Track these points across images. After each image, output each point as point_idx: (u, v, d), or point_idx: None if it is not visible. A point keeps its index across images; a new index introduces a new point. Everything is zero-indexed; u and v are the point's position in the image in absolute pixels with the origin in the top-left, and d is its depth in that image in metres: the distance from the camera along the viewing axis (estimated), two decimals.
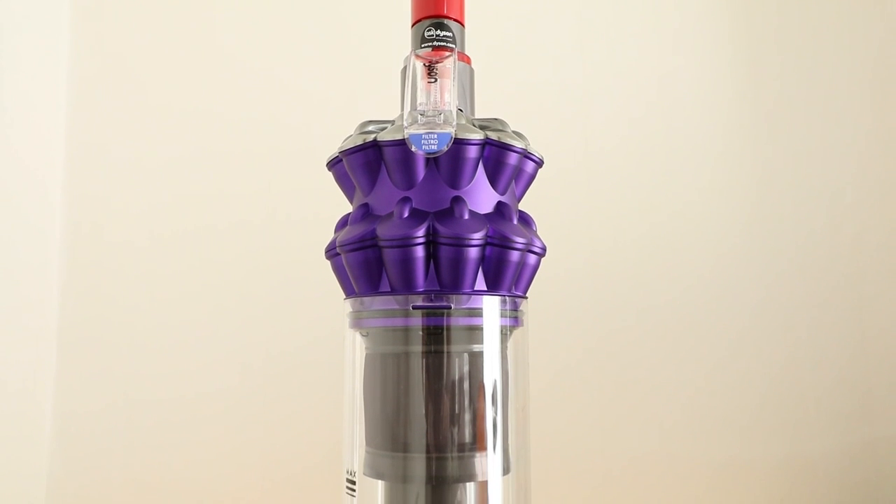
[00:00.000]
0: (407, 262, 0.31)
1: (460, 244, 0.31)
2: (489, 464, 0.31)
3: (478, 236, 0.31)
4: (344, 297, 0.35)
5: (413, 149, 0.32)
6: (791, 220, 0.78)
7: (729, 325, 0.76)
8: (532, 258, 0.33)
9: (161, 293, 0.75)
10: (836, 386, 0.75)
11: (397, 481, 0.31)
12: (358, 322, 0.33)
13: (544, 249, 0.34)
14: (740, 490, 0.73)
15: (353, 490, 0.33)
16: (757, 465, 0.74)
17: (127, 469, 0.73)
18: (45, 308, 0.72)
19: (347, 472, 0.33)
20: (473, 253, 0.31)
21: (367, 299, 0.33)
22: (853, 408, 0.75)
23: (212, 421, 0.74)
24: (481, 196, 0.33)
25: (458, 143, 0.32)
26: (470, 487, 0.31)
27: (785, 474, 0.74)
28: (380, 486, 0.32)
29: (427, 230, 0.31)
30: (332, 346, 0.70)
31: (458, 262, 0.31)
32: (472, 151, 0.32)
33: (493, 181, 0.33)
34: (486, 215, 0.33)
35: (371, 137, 0.33)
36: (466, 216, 0.32)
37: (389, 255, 0.31)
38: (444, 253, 0.31)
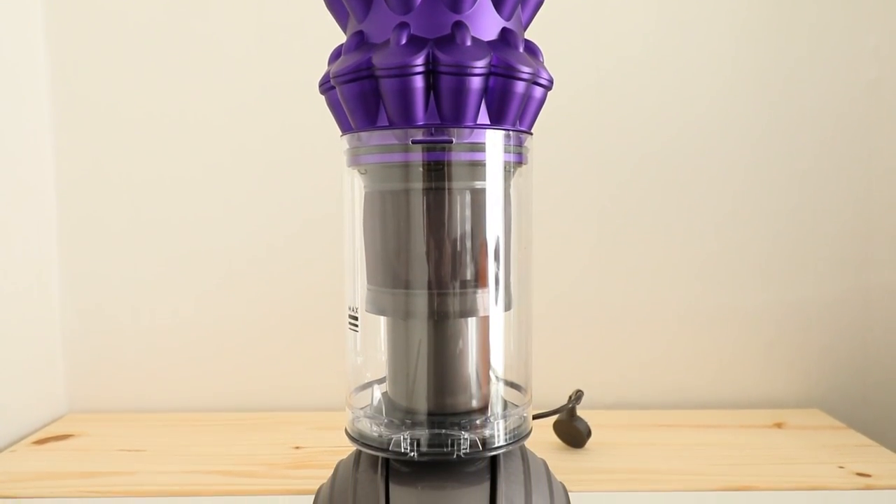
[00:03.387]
0: (405, 93, 0.29)
1: (462, 73, 0.29)
2: (490, 300, 0.31)
3: (481, 64, 0.29)
4: (340, 133, 0.33)
5: None
6: (804, 64, 0.74)
7: (732, 171, 0.75)
8: (538, 91, 0.32)
9: (157, 147, 0.74)
10: (837, 234, 0.75)
11: (399, 317, 0.31)
12: (355, 159, 0.32)
13: (551, 82, 0.32)
14: (730, 335, 0.76)
15: (356, 325, 0.33)
16: (748, 312, 0.76)
17: (136, 323, 0.75)
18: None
19: (349, 308, 0.33)
20: (476, 83, 0.29)
21: (364, 135, 0.31)
22: (851, 255, 0.75)
23: (214, 270, 0.75)
24: (485, 21, 0.30)
25: None
26: (472, 322, 0.31)
27: (775, 319, 0.76)
28: (382, 322, 0.32)
29: (426, 58, 0.29)
30: (331, 186, 0.70)
31: (460, 93, 0.29)
32: None
33: (498, 5, 0.31)
34: (489, 42, 0.30)
35: None
36: (469, 43, 0.29)
37: (387, 86, 0.29)
38: (445, 83, 0.29)
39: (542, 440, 0.63)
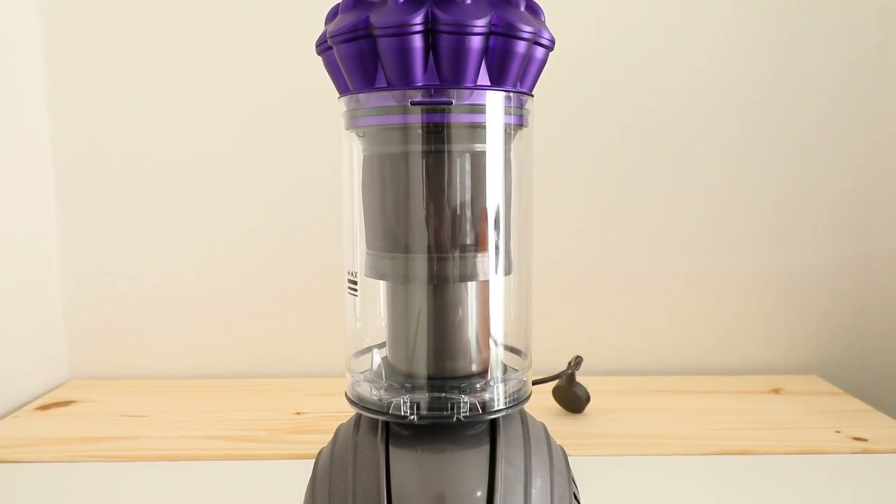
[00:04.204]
0: (404, 53, 0.28)
1: (462, 32, 0.28)
2: (490, 264, 0.31)
3: (481, 23, 0.28)
4: (338, 95, 0.32)
5: None
6: (808, 27, 0.73)
7: (732, 136, 0.74)
8: (539, 51, 0.31)
9: (155, 113, 0.73)
10: (838, 200, 0.75)
11: (399, 281, 0.31)
12: (353, 121, 0.32)
13: (553, 42, 0.31)
14: (729, 301, 0.76)
15: (355, 290, 0.33)
16: (748, 278, 0.76)
17: (136, 291, 0.75)
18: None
19: (349, 273, 0.33)
20: (476, 42, 0.29)
21: (362, 96, 0.31)
22: (852, 222, 0.75)
23: (214, 236, 0.75)
24: None
25: None
26: (471, 287, 0.31)
27: (775, 286, 0.76)
28: (381, 286, 0.32)
29: (425, 16, 0.28)
30: (330, 151, 0.69)
31: (460, 53, 0.29)
32: None
33: None
34: (489, 1, 0.30)
35: None
36: (468, 1, 0.29)
37: (385, 46, 0.29)
38: (445, 42, 0.28)
39: (542, 406, 0.64)
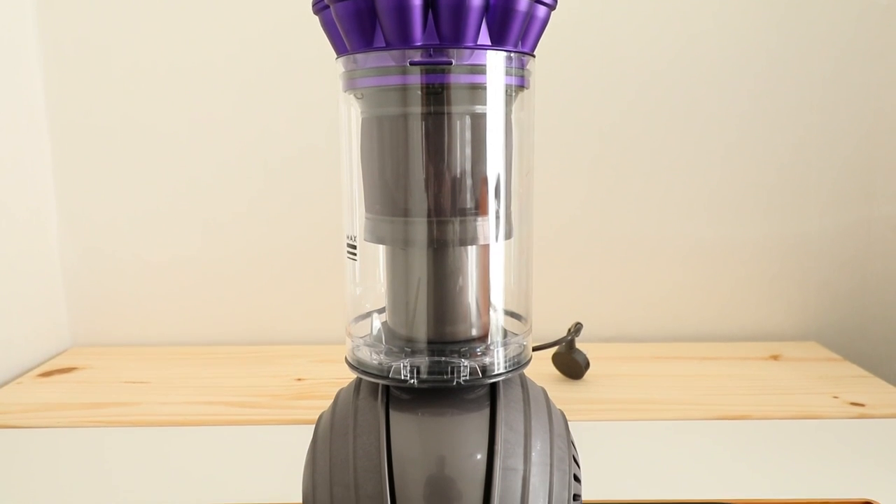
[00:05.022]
0: (402, 11, 0.28)
1: None
2: (490, 228, 0.31)
3: None
4: (335, 56, 0.32)
5: None
6: None
7: (735, 102, 0.73)
8: (541, 10, 0.30)
9: (153, 82, 0.72)
10: (842, 166, 0.74)
11: (398, 245, 0.31)
12: (351, 83, 0.31)
13: (555, 0, 0.31)
14: (729, 268, 0.76)
15: (355, 255, 0.33)
16: (749, 245, 0.75)
17: (136, 259, 0.75)
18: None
19: (348, 237, 0.33)
20: (476, 0, 0.28)
21: (360, 56, 0.30)
22: (855, 188, 0.75)
23: (213, 205, 0.74)
24: None
25: None
26: (471, 251, 0.31)
27: (776, 253, 0.76)
28: (381, 250, 0.32)
29: None
30: (328, 114, 0.69)
31: (460, 11, 0.28)
32: None
33: None
34: None
35: None
36: None
37: (383, 3, 0.28)
38: (444, 0, 0.28)
39: (541, 372, 0.64)
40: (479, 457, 0.28)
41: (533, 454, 0.29)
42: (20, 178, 0.69)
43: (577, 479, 0.30)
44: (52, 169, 0.73)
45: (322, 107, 0.70)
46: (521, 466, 0.28)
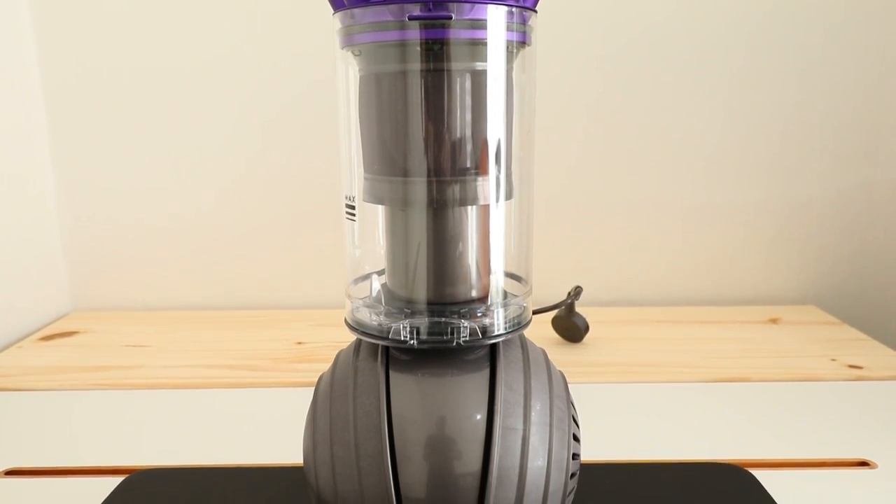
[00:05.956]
0: None
1: None
2: (491, 188, 0.30)
3: None
4: (332, 12, 0.31)
5: None
6: None
7: (736, 62, 0.72)
8: None
9: (149, 45, 0.71)
10: (845, 128, 0.73)
11: (397, 206, 0.30)
12: (349, 39, 0.30)
13: None
14: (730, 232, 0.76)
15: (353, 215, 0.32)
16: (750, 208, 0.75)
17: (135, 224, 0.75)
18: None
19: (346, 197, 0.32)
20: None
21: (357, 11, 0.29)
22: (858, 149, 0.74)
23: (212, 168, 0.74)
24: None
25: None
26: (472, 211, 0.31)
27: (778, 216, 0.75)
28: (380, 210, 0.32)
29: None
30: (326, 73, 0.68)
31: None
32: None
33: None
34: None
35: None
36: None
37: None
38: None
39: (541, 335, 0.64)
40: (478, 417, 0.28)
41: (532, 414, 0.29)
42: (16, 141, 0.68)
43: (576, 438, 0.31)
44: (48, 132, 0.72)
45: (319, 67, 0.69)
46: (520, 426, 0.28)
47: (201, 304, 0.76)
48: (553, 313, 0.64)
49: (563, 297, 0.63)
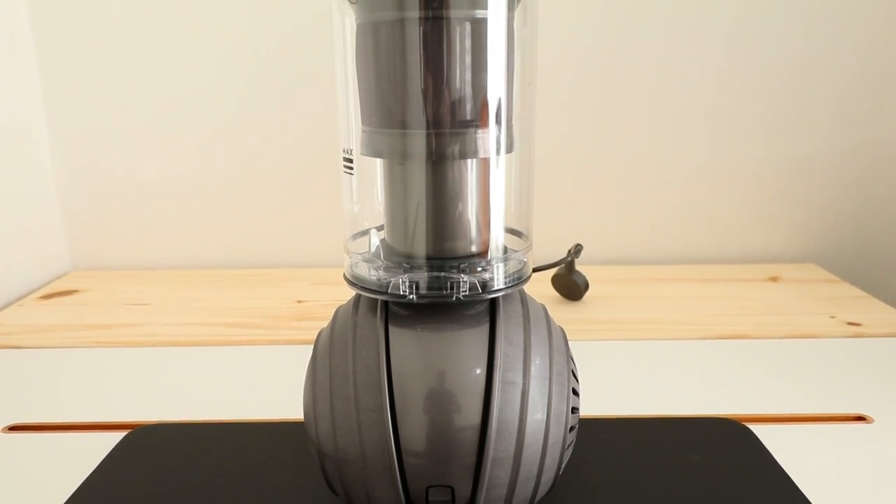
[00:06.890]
0: None
1: None
2: (491, 141, 0.30)
3: None
4: None
5: None
6: None
7: (738, 19, 0.70)
8: None
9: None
10: (849, 84, 0.72)
11: (396, 159, 0.30)
12: None
13: None
14: (731, 190, 0.75)
15: (351, 169, 0.32)
16: (751, 166, 0.74)
17: (132, 182, 0.74)
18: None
19: (344, 150, 0.32)
20: None
21: None
22: (862, 107, 0.73)
23: (207, 124, 0.73)
24: None
25: None
26: (471, 164, 0.30)
27: (780, 174, 0.75)
28: (378, 164, 0.31)
29: None
30: (322, 25, 0.66)
31: None
32: None
33: None
34: None
35: None
36: None
37: None
38: None
39: (541, 293, 0.64)
40: (478, 371, 0.28)
41: (532, 368, 0.29)
42: (7, 98, 0.67)
43: (575, 392, 0.31)
44: (40, 89, 0.71)
45: (315, 19, 0.67)
46: (520, 380, 0.28)
47: (200, 263, 0.76)
48: (553, 271, 0.64)
49: (563, 255, 0.63)
